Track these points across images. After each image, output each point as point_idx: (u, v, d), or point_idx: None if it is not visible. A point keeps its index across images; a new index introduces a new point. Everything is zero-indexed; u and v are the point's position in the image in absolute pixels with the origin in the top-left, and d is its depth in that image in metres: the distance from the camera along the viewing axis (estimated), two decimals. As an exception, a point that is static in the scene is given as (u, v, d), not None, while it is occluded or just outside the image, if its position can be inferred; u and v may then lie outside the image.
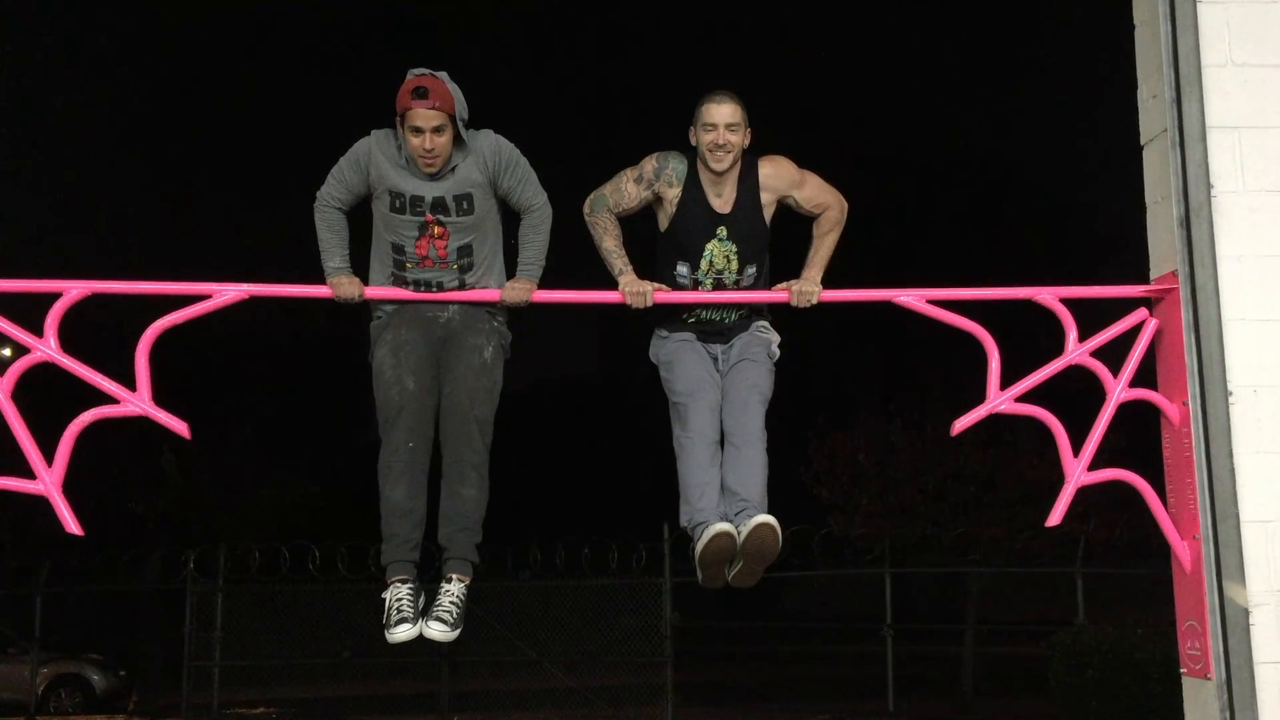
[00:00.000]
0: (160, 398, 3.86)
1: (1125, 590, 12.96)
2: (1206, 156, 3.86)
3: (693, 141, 4.18)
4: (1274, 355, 3.81)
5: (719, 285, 4.18)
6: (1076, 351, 4.01)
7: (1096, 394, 3.99)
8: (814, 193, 4.27)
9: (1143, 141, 4.11)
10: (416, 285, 4.09)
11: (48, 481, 3.77)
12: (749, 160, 4.21)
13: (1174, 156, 3.88)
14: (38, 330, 3.84)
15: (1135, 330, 4.01)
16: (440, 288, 4.09)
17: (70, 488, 3.83)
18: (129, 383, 3.83)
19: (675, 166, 4.17)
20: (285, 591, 14.03)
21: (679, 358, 4.21)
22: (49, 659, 15.68)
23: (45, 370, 3.91)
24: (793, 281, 4.16)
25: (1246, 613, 3.69)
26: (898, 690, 12.44)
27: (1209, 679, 3.74)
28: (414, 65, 3.96)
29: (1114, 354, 3.99)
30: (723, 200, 4.17)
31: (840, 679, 15.31)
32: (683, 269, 4.18)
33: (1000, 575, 14.15)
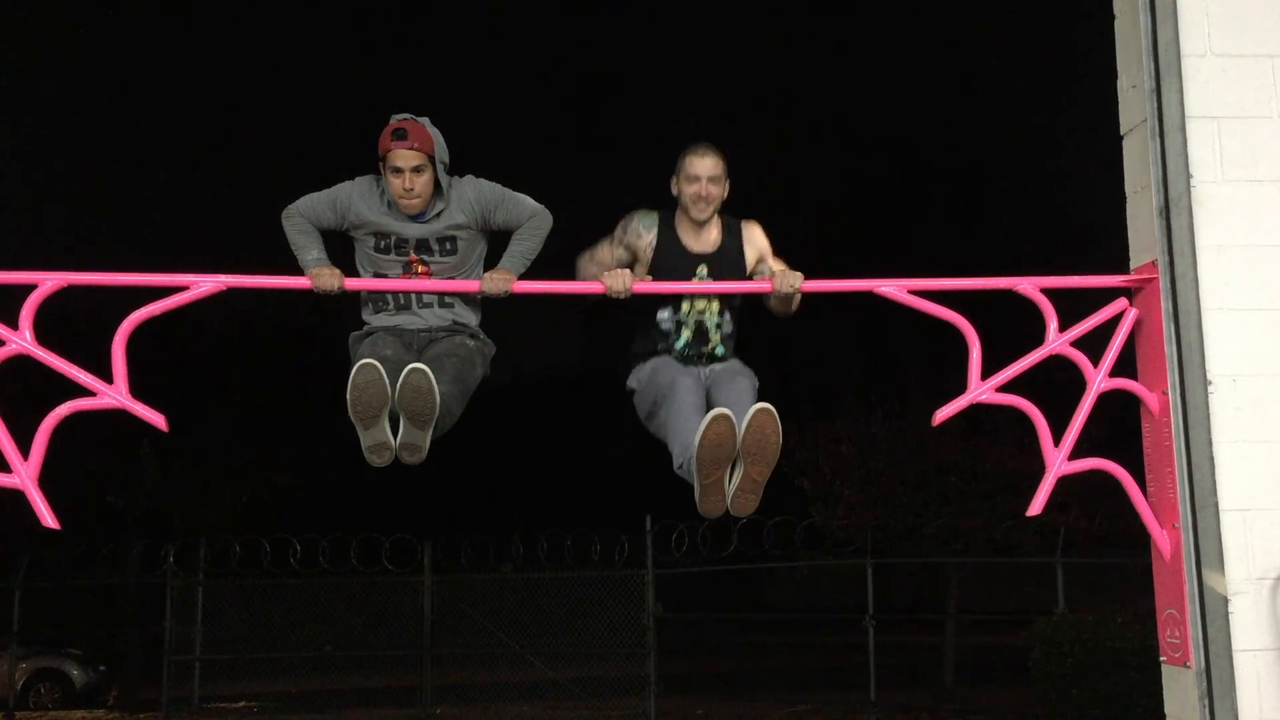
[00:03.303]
0: (139, 391, 3.83)
1: (1105, 579, 13.05)
2: (1186, 146, 3.87)
3: (674, 192, 4.29)
4: (1253, 345, 3.83)
5: (700, 327, 4.21)
6: (1057, 341, 4.02)
7: (1077, 384, 4.00)
8: (783, 267, 4.34)
9: (1122, 131, 4.12)
10: (396, 298, 4.15)
11: (24, 475, 3.73)
12: (731, 217, 4.35)
13: (1153, 146, 3.89)
14: (13, 322, 3.79)
15: (1115, 320, 4.03)
16: (420, 298, 4.14)
17: (48, 482, 3.79)
18: (106, 375, 3.80)
19: (641, 219, 4.28)
20: (266, 585, 13.97)
21: (658, 368, 4.22)
22: (28, 654, 15.58)
23: (21, 363, 3.87)
24: (774, 272, 4.18)
25: (1225, 601, 3.71)
26: (879, 680, 12.48)
27: (1188, 667, 3.76)
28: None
29: (1094, 344, 4.00)
30: (701, 242, 4.26)
31: (822, 669, 15.36)
32: (664, 314, 4.22)
33: (981, 565, 14.22)
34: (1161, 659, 3.95)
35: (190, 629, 13.63)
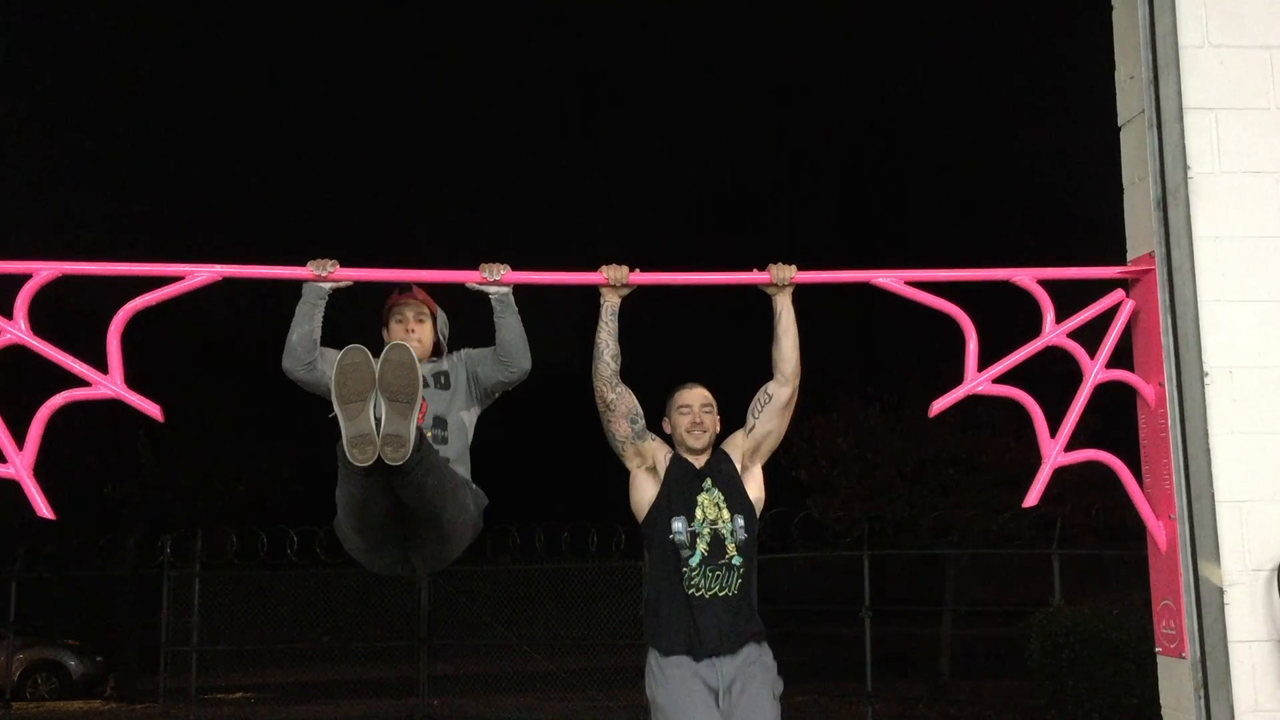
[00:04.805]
0: (136, 383, 3.82)
1: (1101, 571, 13.07)
2: (1183, 137, 3.86)
3: (667, 430, 4.34)
4: (1249, 336, 3.83)
5: (716, 538, 4.14)
6: (1054, 333, 4.02)
7: (1073, 376, 4.00)
8: (762, 417, 4.32)
9: (1120, 123, 4.12)
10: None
11: (19, 465, 3.73)
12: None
13: (1151, 138, 3.89)
14: (7, 312, 3.79)
15: (1112, 311, 4.03)
16: None
17: (45, 473, 3.78)
18: (102, 366, 3.79)
19: (660, 443, 4.32)
20: (263, 576, 13.97)
21: (677, 697, 4.09)
22: (25, 644, 15.60)
23: (16, 353, 3.86)
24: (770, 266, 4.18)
25: (1221, 592, 3.71)
26: (876, 671, 12.49)
27: (1184, 657, 3.77)
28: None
29: (1091, 335, 4.01)
30: (699, 461, 4.28)
31: (819, 660, 15.36)
32: (678, 524, 4.16)
33: (977, 557, 14.23)
34: (1157, 650, 3.96)
35: (187, 620, 13.64)
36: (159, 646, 13.68)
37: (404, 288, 4.25)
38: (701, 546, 4.13)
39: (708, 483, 4.23)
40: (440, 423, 4.13)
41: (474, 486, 4.20)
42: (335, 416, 3.64)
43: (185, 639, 13.66)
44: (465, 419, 4.22)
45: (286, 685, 14.96)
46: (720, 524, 4.17)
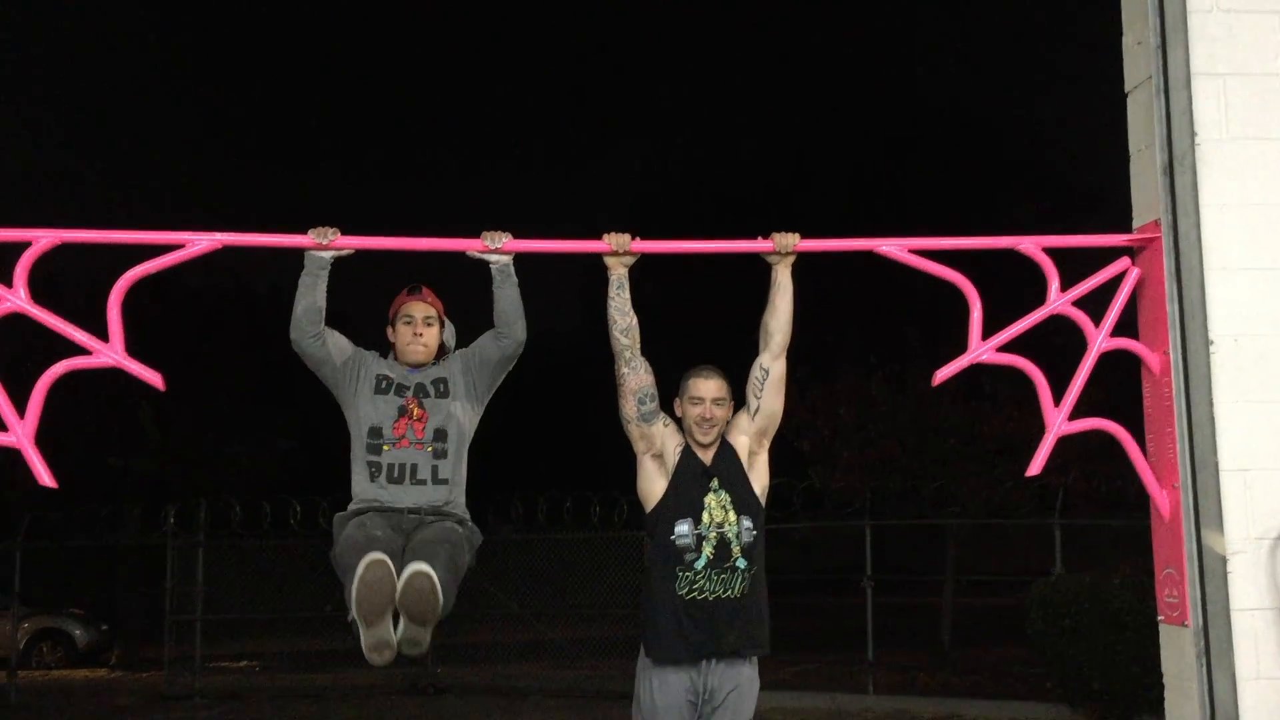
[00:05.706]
0: (139, 353, 3.81)
1: (1102, 542, 13.08)
2: (1191, 104, 3.83)
3: (678, 413, 4.27)
4: (1255, 304, 3.81)
5: (723, 541, 4.11)
6: (1058, 301, 4.00)
7: (1078, 347, 3.98)
8: (765, 397, 4.25)
9: (1127, 89, 4.08)
10: (390, 470, 4.03)
11: (20, 434, 3.72)
12: None
13: (1158, 104, 3.86)
14: (7, 280, 3.77)
15: (1117, 279, 4.00)
16: (414, 472, 4.04)
17: (49, 444, 3.78)
18: (102, 335, 3.78)
19: (677, 433, 4.25)
20: (266, 546, 14.02)
21: (659, 710, 4.13)
22: (30, 613, 15.69)
23: (20, 323, 3.85)
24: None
25: (1224, 560, 3.71)
26: (877, 640, 12.54)
27: (1186, 626, 3.77)
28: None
29: (1096, 303, 3.98)
30: (707, 456, 4.22)
31: (820, 630, 15.43)
32: (683, 527, 4.12)
33: (979, 527, 14.25)
34: (1159, 618, 3.96)
35: (191, 589, 13.69)
36: (163, 616, 13.75)
37: (414, 288, 4.22)
38: (707, 550, 4.11)
39: (715, 483, 4.17)
40: (440, 435, 4.10)
41: (470, 526, 4.16)
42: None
43: (190, 608, 13.72)
44: (464, 425, 4.18)
45: (290, 654, 15.03)
46: (727, 527, 4.13)
